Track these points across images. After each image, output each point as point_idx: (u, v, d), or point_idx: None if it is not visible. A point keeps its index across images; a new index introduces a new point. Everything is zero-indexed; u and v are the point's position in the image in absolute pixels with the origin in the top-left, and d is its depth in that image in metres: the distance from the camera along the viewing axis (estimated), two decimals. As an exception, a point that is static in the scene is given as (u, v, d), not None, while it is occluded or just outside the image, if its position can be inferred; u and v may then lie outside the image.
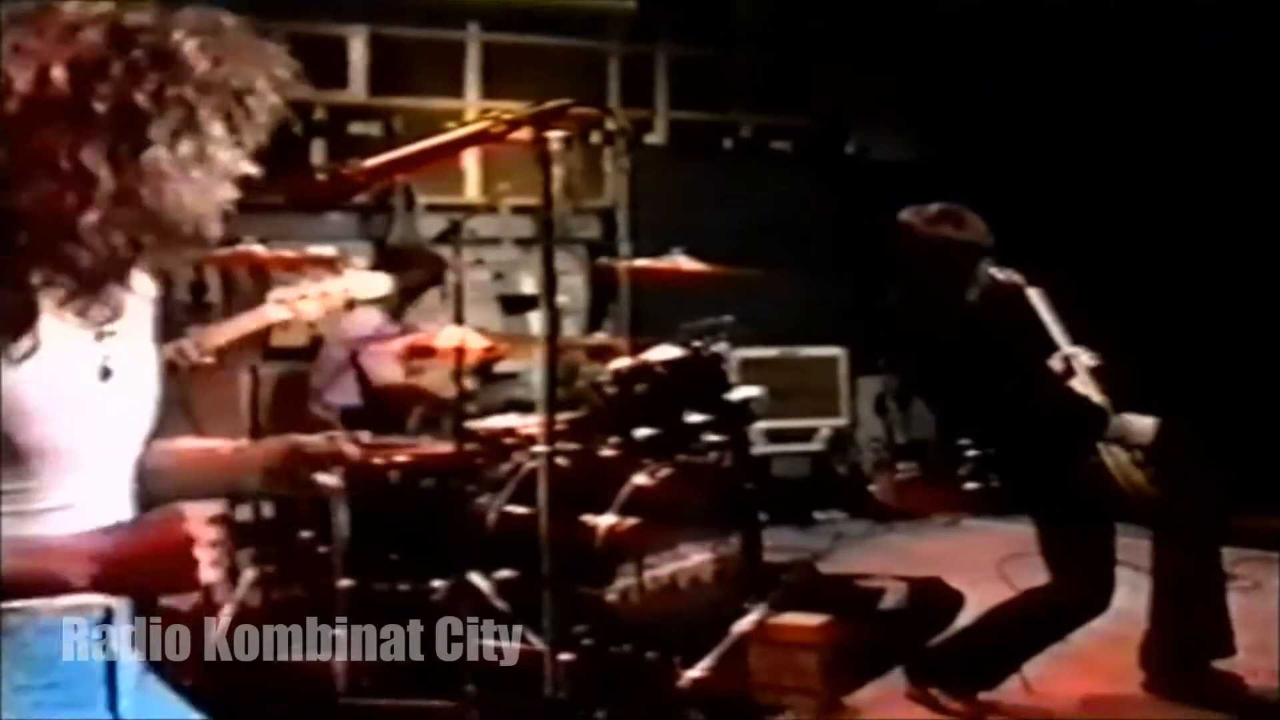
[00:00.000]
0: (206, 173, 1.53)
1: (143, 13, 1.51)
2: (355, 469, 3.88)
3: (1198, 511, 4.21)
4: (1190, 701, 4.09)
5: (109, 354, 1.60)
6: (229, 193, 1.59)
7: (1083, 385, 4.13)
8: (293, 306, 3.45)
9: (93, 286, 1.54)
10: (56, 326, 1.53)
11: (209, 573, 1.48)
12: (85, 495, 1.57)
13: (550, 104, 2.16)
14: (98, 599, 1.56)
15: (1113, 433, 4.06)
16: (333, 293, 3.52)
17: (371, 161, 2.08)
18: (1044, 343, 4.19)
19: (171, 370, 3.13)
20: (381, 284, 3.79)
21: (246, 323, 3.51)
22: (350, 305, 3.66)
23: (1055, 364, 4.16)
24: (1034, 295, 4.25)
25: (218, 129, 1.53)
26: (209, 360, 3.32)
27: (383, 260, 5.81)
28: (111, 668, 1.60)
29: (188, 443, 1.89)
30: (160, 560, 1.47)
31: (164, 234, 1.54)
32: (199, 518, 1.48)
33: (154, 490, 1.72)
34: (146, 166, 1.48)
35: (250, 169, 1.60)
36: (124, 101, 1.46)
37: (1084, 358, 4.17)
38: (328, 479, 1.86)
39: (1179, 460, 4.15)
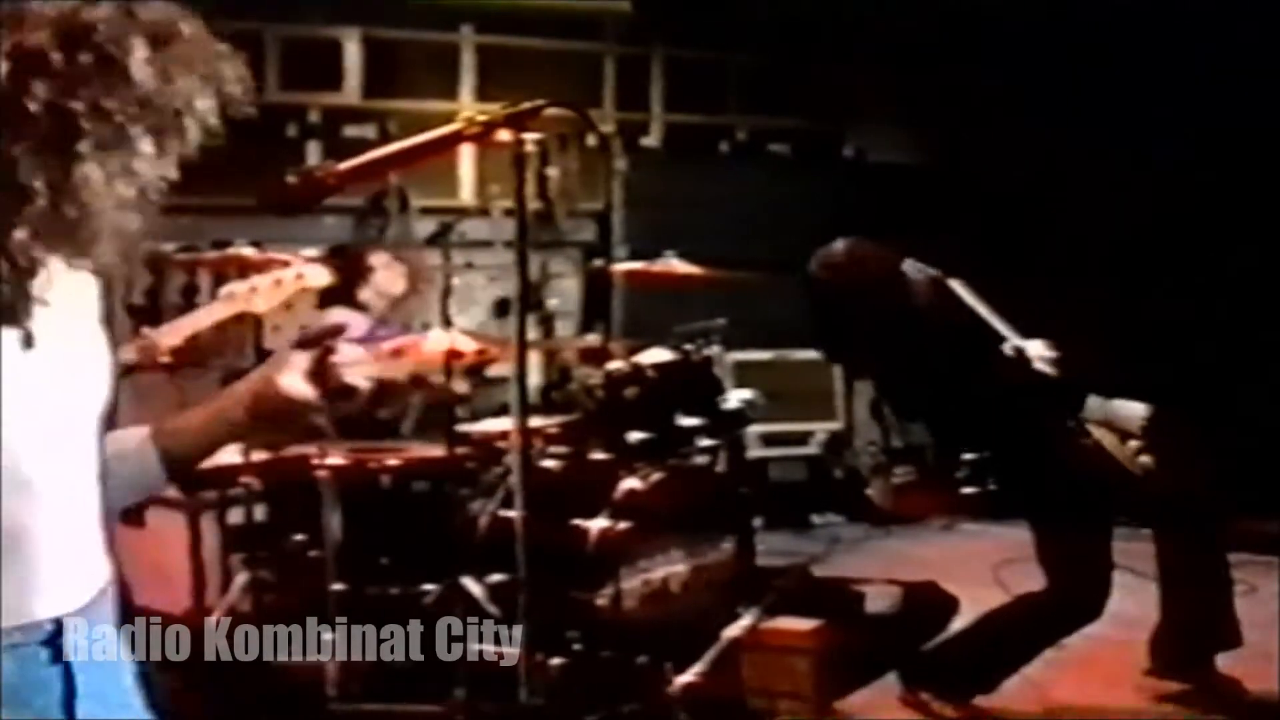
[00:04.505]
0: (127, 186, 1.47)
1: (100, 7, 1.43)
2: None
3: (1197, 495, 4.18)
4: (1189, 704, 4.08)
5: (38, 323, 1.53)
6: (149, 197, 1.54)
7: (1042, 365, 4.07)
8: (245, 299, 3.26)
9: (19, 289, 1.49)
10: None
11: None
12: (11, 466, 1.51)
13: (525, 105, 2.14)
14: (46, 615, 1.54)
15: (1096, 413, 4.01)
16: (286, 280, 3.32)
17: (345, 164, 2.06)
18: (981, 329, 4.11)
19: (132, 370, 3.04)
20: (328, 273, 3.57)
21: (201, 318, 3.34)
22: (302, 295, 3.43)
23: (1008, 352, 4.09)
24: (956, 285, 4.18)
25: (147, 146, 1.47)
26: (166, 360, 3.20)
27: (338, 262, 5.76)
28: (69, 673, 1.59)
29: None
30: None
31: (81, 243, 1.48)
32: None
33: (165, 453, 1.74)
34: (76, 181, 1.43)
35: (172, 175, 1.54)
36: (59, 106, 1.40)
37: (1036, 347, 4.10)
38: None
39: (1174, 444, 4.11)
